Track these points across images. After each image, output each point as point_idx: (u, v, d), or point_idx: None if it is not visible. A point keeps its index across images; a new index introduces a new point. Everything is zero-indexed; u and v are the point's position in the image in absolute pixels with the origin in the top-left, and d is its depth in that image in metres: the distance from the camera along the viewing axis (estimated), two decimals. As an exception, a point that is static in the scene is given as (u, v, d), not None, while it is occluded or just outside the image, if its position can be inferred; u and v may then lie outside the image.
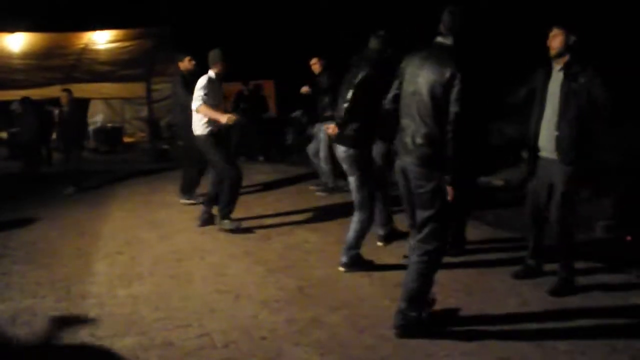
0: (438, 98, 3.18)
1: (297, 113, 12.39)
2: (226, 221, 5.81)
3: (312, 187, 7.87)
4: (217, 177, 6.03)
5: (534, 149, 4.03)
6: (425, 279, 3.39)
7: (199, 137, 5.84)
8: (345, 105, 4.37)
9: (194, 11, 16.56)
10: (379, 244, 5.15)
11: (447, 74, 3.14)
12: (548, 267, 4.27)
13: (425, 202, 3.31)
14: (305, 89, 7.49)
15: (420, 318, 3.45)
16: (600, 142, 3.93)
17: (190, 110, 5.77)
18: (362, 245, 4.59)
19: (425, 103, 3.23)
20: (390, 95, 3.63)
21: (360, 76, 4.34)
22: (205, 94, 5.59)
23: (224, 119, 5.51)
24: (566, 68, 3.83)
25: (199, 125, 5.77)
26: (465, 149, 3.24)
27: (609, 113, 3.74)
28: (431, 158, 3.25)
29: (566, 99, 3.79)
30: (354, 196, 4.51)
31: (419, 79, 3.27)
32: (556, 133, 3.85)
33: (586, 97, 3.74)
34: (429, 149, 3.25)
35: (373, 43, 4.51)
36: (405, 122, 3.38)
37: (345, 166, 4.53)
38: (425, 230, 3.35)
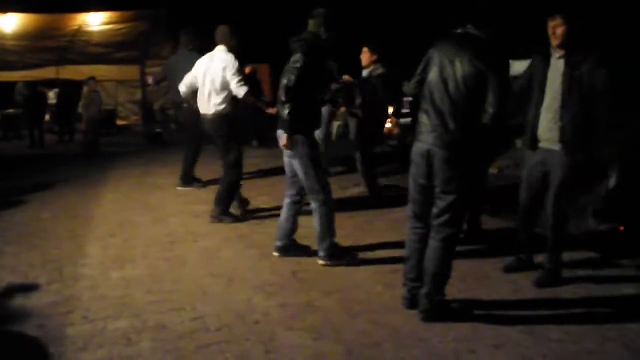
0: (473, 88, 3.23)
1: None
2: (227, 217, 5.65)
3: None
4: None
5: (533, 138, 3.98)
6: (447, 262, 3.44)
7: (214, 116, 5.53)
8: (283, 91, 4.19)
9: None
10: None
11: (484, 65, 3.20)
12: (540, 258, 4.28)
13: (450, 186, 3.32)
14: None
15: (445, 301, 3.48)
16: (604, 132, 3.85)
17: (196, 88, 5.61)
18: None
19: (459, 90, 3.25)
20: (413, 80, 3.58)
21: (294, 60, 4.17)
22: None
23: (270, 110, 5.26)
24: (567, 56, 3.77)
25: (217, 105, 5.49)
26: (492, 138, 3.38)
27: (608, 102, 3.72)
28: (461, 143, 3.28)
29: (569, 88, 3.73)
30: (303, 182, 4.38)
31: (452, 66, 3.28)
32: (559, 123, 3.78)
33: (588, 85, 3.69)
34: (459, 134, 3.27)
35: (310, 24, 4.32)
36: (433, 107, 3.34)
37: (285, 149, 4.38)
38: (449, 214, 3.36)
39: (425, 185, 3.43)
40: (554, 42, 3.81)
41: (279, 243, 4.58)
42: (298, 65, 4.12)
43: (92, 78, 10.84)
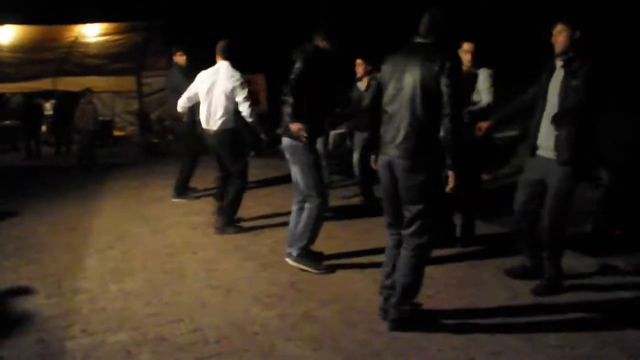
0: (428, 91, 3.23)
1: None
2: (230, 228, 5.65)
3: None
4: (223, 174, 5.83)
5: (532, 146, 3.99)
6: (418, 272, 3.42)
7: (219, 132, 5.52)
8: (290, 99, 4.27)
9: (185, 5, 16.44)
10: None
11: (436, 66, 3.20)
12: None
13: (413, 196, 3.32)
14: None
15: (414, 311, 3.48)
16: (598, 140, 3.89)
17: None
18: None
19: (413, 98, 3.26)
20: (369, 97, 3.65)
21: (294, 69, 4.27)
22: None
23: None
24: (567, 65, 3.79)
25: (222, 120, 5.49)
26: (463, 140, 3.32)
27: (601, 107, 3.77)
28: (420, 151, 3.28)
29: (565, 96, 3.75)
30: (301, 187, 4.45)
31: (405, 76, 3.31)
32: (555, 132, 3.80)
33: (584, 93, 3.69)
34: (418, 141, 3.27)
35: (314, 37, 4.52)
36: (390, 118, 3.39)
37: (287, 155, 4.49)
38: (417, 224, 3.36)
39: (392, 196, 3.46)
40: (555, 49, 3.84)
41: (290, 249, 4.61)
42: (297, 67, 4.23)
43: (88, 90, 10.85)
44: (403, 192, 3.36)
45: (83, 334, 3.49)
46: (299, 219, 4.55)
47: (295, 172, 4.48)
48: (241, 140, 5.77)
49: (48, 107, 14.50)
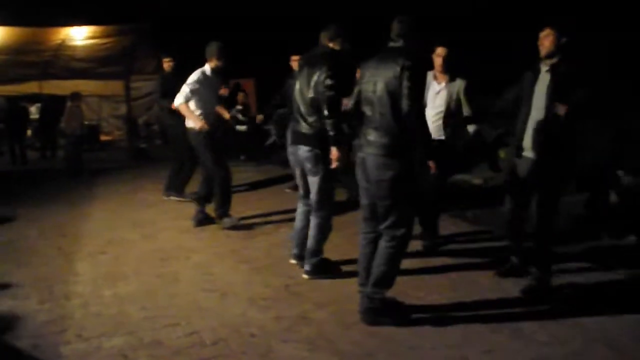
0: (393, 91, 3.41)
1: (281, 111, 12.00)
2: (226, 219, 5.81)
3: (287, 190, 7.79)
4: (206, 175, 6.00)
5: (519, 147, 4.08)
6: (393, 263, 3.58)
7: (191, 131, 5.71)
8: (327, 119, 4.08)
9: (175, 8, 16.42)
10: None
11: (398, 68, 3.38)
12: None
13: (384, 191, 3.48)
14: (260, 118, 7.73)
15: (385, 300, 3.59)
16: (583, 142, 4.01)
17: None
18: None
19: (382, 97, 3.45)
20: (352, 102, 3.73)
21: (319, 75, 4.12)
22: (191, 91, 5.54)
23: (197, 125, 5.51)
24: (553, 69, 3.88)
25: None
26: (428, 138, 3.62)
27: (586, 109, 3.86)
28: (389, 148, 3.43)
29: (552, 99, 3.84)
30: (314, 197, 4.34)
31: (376, 77, 3.50)
32: (543, 133, 3.90)
33: (571, 97, 3.78)
34: (387, 139, 3.43)
35: (322, 37, 4.32)
36: (365, 118, 3.58)
37: (309, 166, 4.29)
38: (391, 219, 3.52)
39: (367, 191, 3.63)
40: (542, 52, 3.93)
41: (295, 250, 4.65)
42: (330, 81, 4.05)
43: (77, 93, 10.78)
44: (375, 187, 3.52)
45: (78, 339, 3.48)
46: (305, 221, 4.53)
47: (311, 182, 4.35)
48: (208, 145, 5.74)
49: (34, 110, 14.36)
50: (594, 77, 3.85)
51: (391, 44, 3.59)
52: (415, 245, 4.65)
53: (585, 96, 3.78)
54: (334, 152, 4.09)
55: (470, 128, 4.99)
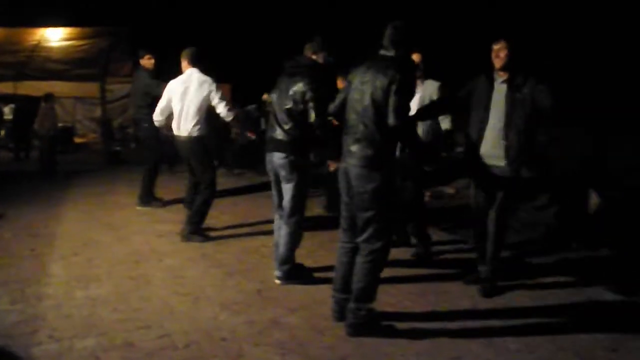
0: (379, 103, 3.37)
1: (250, 107, 11.52)
2: (197, 236, 5.65)
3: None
4: (193, 182, 6.00)
5: (475, 156, 4.18)
6: (372, 277, 3.54)
7: (191, 138, 5.60)
8: (315, 116, 4.15)
9: (152, 12, 16.37)
10: None
11: (387, 81, 3.34)
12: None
13: (365, 202, 3.45)
14: (265, 96, 7.56)
15: (371, 315, 3.59)
16: (547, 148, 4.18)
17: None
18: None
19: (367, 108, 3.41)
20: (335, 104, 3.78)
21: (301, 85, 4.18)
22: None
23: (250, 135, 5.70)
24: (510, 80, 4.04)
25: (194, 127, 5.57)
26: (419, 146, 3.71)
27: (553, 117, 4.03)
28: (371, 159, 3.41)
29: (512, 109, 3.99)
30: (287, 204, 4.36)
31: (363, 86, 3.46)
32: (504, 142, 4.03)
33: (530, 105, 3.97)
34: (370, 150, 3.41)
35: (307, 49, 4.40)
36: (349, 127, 3.55)
37: (283, 173, 4.31)
38: (369, 231, 3.49)
39: (348, 202, 3.62)
40: (497, 65, 4.08)
41: (278, 272, 4.53)
42: (315, 93, 4.13)
43: (51, 94, 10.69)
44: (356, 199, 3.50)
45: (50, 340, 3.47)
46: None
47: (285, 189, 4.37)
48: (209, 148, 5.84)
49: (7, 111, 14.16)
50: (551, 88, 3.98)
51: (382, 52, 3.51)
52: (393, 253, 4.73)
53: (549, 102, 3.91)
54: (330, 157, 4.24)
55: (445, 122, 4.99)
